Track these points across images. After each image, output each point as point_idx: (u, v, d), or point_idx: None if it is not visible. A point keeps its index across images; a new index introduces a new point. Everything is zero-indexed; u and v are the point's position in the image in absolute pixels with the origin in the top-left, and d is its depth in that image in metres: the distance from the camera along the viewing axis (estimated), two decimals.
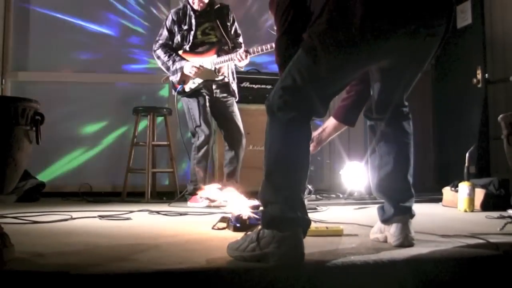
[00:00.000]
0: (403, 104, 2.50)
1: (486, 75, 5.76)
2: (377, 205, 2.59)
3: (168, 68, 5.08)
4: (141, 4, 6.73)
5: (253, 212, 2.91)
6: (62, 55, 6.50)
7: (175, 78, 5.01)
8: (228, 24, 5.16)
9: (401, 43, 2.15)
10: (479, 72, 5.77)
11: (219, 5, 5.18)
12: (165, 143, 5.90)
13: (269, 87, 5.70)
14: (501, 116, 2.61)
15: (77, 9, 6.55)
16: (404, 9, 2.09)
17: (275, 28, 2.40)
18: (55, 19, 6.50)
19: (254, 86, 5.79)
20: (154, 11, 6.76)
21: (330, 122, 2.83)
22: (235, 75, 5.24)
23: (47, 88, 6.42)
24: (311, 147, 2.80)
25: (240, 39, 5.25)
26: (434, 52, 2.33)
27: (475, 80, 5.80)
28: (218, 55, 5.00)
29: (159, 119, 6.18)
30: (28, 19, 6.49)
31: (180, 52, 5.10)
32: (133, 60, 6.69)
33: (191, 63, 4.93)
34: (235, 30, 5.25)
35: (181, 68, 4.94)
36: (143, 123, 5.94)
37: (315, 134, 2.86)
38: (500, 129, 2.63)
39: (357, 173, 5.18)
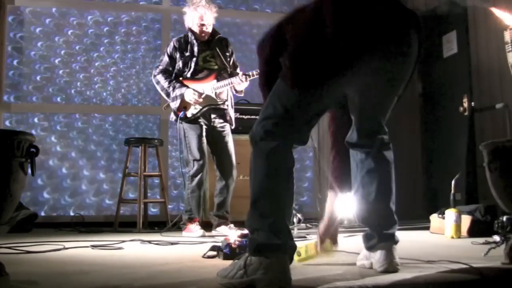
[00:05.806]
0: (383, 131, 2.56)
1: (473, 103, 5.84)
2: None
3: (168, 95, 5.05)
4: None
5: (241, 240, 2.98)
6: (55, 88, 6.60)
7: (175, 105, 5.00)
8: (227, 54, 5.24)
9: (373, 63, 2.24)
10: (465, 100, 5.85)
11: (219, 36, 5.28)
12: (157, 173, 5.95)
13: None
14: (482, 144, 2.70)
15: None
16: (371, 32, 2.17)
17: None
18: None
19: (244, 116, 5.84)
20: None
21: (330, 199, 2.89)
22: (233, 102, 5.31)
23: (39, 119, 6.52)
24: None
25: (238, 70, 5.28)
26: (410, 75, 2.41)
27: (461, 108, 5.88)
28: (218, 80, 5.05)
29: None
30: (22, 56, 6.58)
31: (181, 79, 5.10)
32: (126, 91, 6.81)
33: (191, 91, 4.94)
34: (233, 62, 5.31)
35: (181, 95, 4.94)
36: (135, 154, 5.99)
37: (325, 221, 2.90)
38: None
39: (346, 202, 5.22)
